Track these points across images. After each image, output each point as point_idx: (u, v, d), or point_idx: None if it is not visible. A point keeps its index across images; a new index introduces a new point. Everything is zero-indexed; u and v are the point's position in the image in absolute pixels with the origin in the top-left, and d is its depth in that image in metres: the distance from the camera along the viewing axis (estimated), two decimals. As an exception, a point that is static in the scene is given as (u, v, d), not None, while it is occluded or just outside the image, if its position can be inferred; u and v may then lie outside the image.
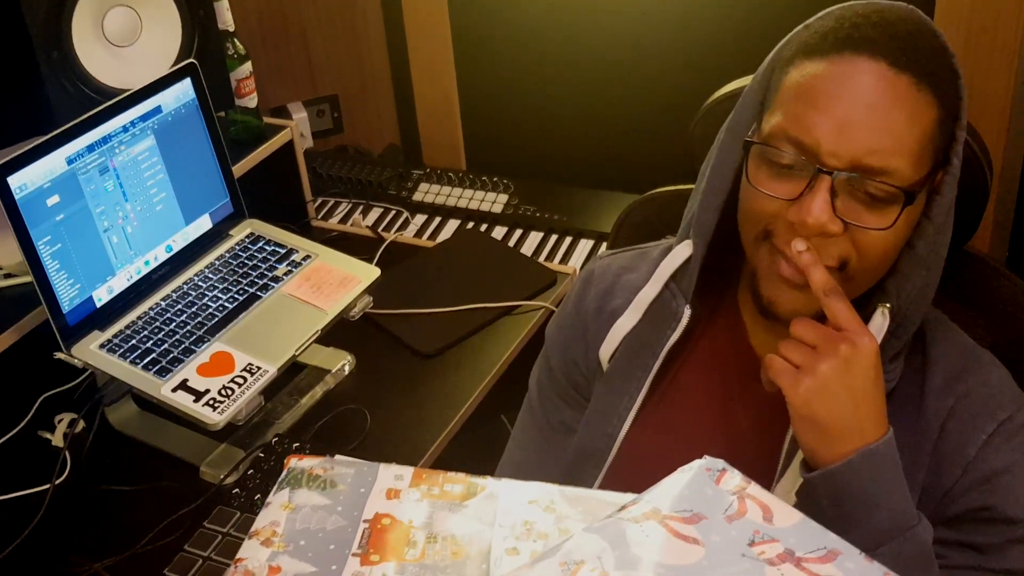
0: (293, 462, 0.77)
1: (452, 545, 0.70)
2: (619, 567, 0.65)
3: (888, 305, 0.91)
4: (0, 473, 1.42)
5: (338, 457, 0.78)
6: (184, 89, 1.48)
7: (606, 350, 1.05)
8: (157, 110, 1.44)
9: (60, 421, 1.47)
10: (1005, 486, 0.91)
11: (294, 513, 0.72)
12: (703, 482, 0.72)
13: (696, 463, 0.75)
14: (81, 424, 1.47)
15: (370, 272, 1.51)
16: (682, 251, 1.01)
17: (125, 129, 1.39)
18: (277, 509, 0.73)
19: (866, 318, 0.91)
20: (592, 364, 1.08)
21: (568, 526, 0.71)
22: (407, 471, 0.76)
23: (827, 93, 0.83)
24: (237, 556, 0.68)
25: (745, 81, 1.17)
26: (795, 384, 0.85)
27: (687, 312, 0.99)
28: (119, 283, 1.42)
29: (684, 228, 1.03)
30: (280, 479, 0.76)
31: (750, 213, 0.91)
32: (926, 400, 0.94)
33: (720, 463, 0.74)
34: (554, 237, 1.91)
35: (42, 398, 1.52)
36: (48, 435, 1.47)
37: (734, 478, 0.73)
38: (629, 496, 0.73)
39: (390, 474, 0.76)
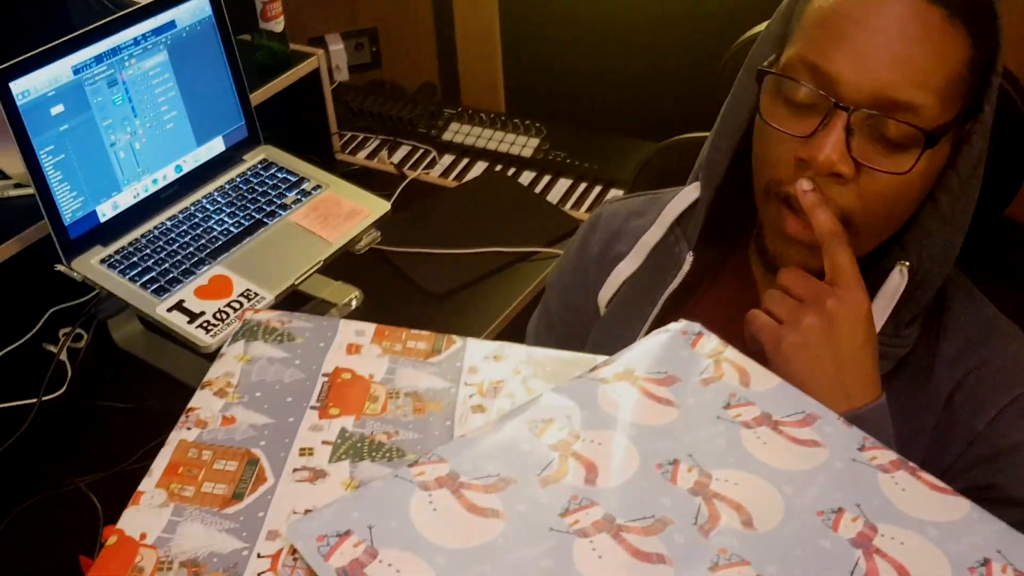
0: (249, 315, 0.73)
1: (415, 401, 0.66)
2: (588, 426, 0.63)
3: (907, 263, 0.84)
4: (5, 383, 1.43)
5: (296, 312, 0.75)
6: (200, 5, 1.44)
7: (604, 294, 1.01)
8: (171, 25, 1.41)
9: (64, 334, 1.47)
10: (1013, 465, 0.85)
11: (249, 365, 0.68)
12: (678, 345, 0.70)
13: (673, 325, 0.72)
14: (85, 339, 1.47)
15: (379, 206, 1.47)
16: (689, 194, 0.95)
17: (136, 42, 1.37)
18: (231, 360, 0.69)
19: (883, 276, 0.84)
20: (591, 310, 1.04)
21: (536, 386, 0.68)
22: (369, 327, 0.73)
23: (851, 19, 0.77)
24: (188, 406, 0.65)
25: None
26: (775, 340, 0.79)
27: (689, 258, 0.93)
28: (125, 200, 1.40)
29: (695, 170, 0.97)
30: (235, 331, 0.72)
31: (761, 156, 0.84)
32: (936, 368, 0.88)
33: (697, 327, 0.71)
34: (583, 185, 1.86)
35: (50, 311, 1.53)
36: (52, 348, 1.47)
37: (711, 342, 0.70)
38: (601, 358, 0.70)
39: (351, 329, 0.72)
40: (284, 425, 0.64)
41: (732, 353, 0.70)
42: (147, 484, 0.60)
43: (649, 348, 0.70)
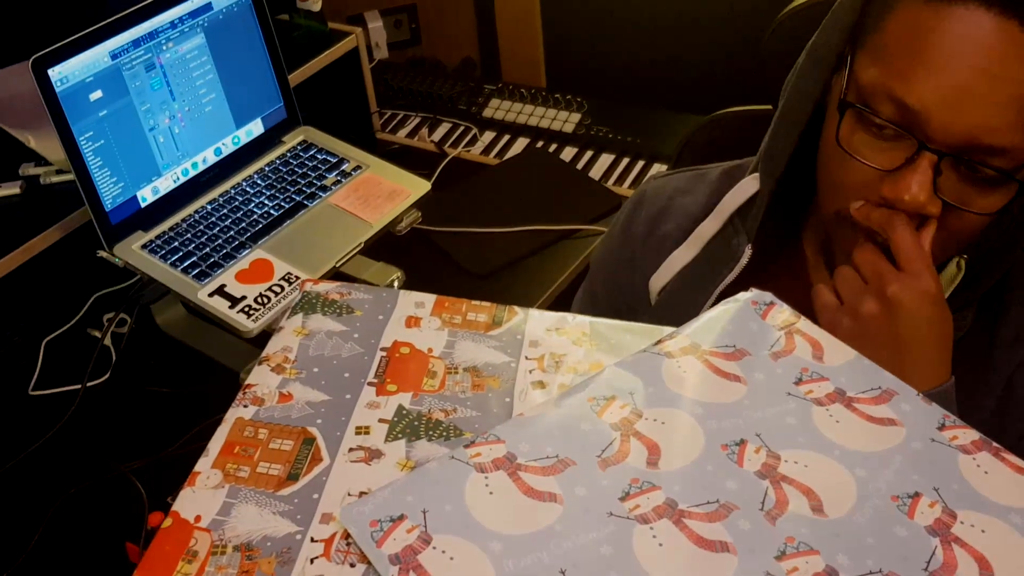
0: (308, 286, 0.72)
1: (474, 376, 0.65)
2: (652, 404, 0.60)
3: (965, 256, 0.81)
4: (51, 368, 1.44)
5: (356, 283, 0.73)
6: (237, -13, 1.43)
7: (657, 282, 0.98)
8: (207, 7, 1.39)
9: (108, 319, 1.47)
10: None
11: (308, 339, 0.67)
12: (748, 316, 0.67)
13: (743, 295, 0.68)
14: (129, 324, 1.47)
15: (420, 186, 1.45)
16: (749, 185, 0.91)
17: (173, 25, 1.35)
18: (289, 335, 0.67)
19: (939, 266, 0.81)
20: (639, 292, 1.01)
21: (599, 359, 0.66)
22: (429, 299, 0.71)
23: (943, 51, 0.69)
24: (246, 382, 0.64)
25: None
26: (832, 323, 0.76)
27: (747, 252, 0.90)
28: (165, 184, 1.40)
29: (754, 161, 0.93)
30: (294, 303, 0.71)
31: (835, 181, 0.79)
32: (995, 351, 0.85)
33: (768, 296, 0.68)
34: (626, 160, 1.82)
35: (94, 297, 1.53)
36: (96, 333, 1.48)
37: (783, 312, 0.67)
38: (667, 330, 0.67)
39: (410, 301, 0.71)
40: (341, 402, 0.63)
41: (805, 324, 0.66)
42: (203, 464, 0.59)
43: (717, 319, 0.67)
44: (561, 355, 0.66)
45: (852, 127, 0.76)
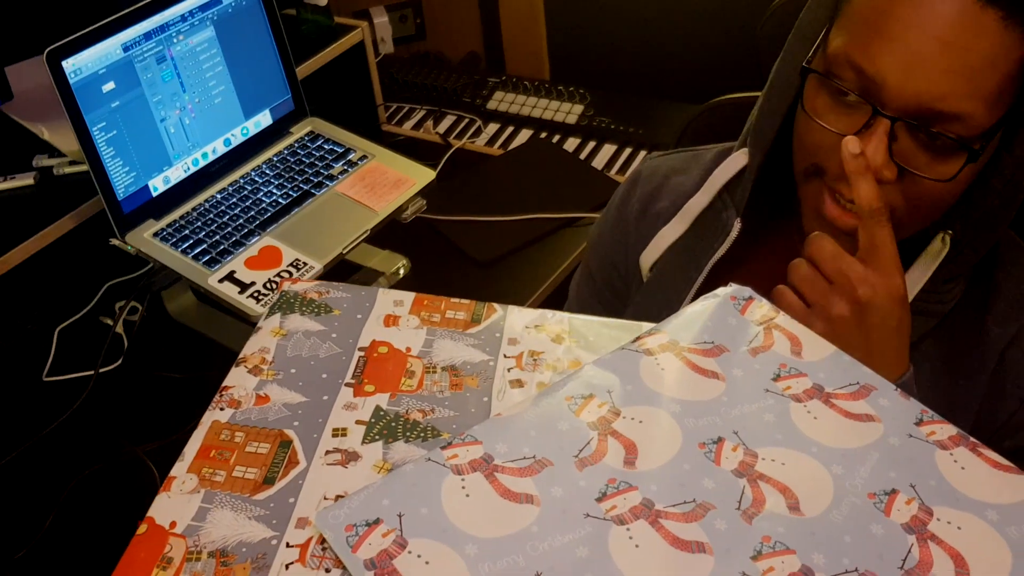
0: (287, 285, 0.71)
1: (452, 376, 0.64)
2: (629, 402, 0.60)
3: (950, 232, 0.82)
4: (64, 355, 1.47)
5: (334, 282, 0.73)
6: (245, -20, 1.46)
7: (648, 257, 0.99)
8: (217, 1, 1.42)
9: (120, 307, 1.51)
10: None
11: (285, 339, 0.66)
12: (727, 312, 0.66)
13: (721, 290, 0.68)
14: (140, 311, 1.51)
15: (424, 175, 1.48)
16: (738, 160, 0.94)
17: (183, 19, 1.38)
18: (267, 335, 0.67)
19: (924, 242, 0.83)
20: (631, 268, 1.03)
21: (579, 356, 0.65)
22: (408, 296, 0.70)
23: (900, 20, 0.72)
24: (223, 384, 0.63)
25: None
26: (815, 324, 0.76)
27: (737, 225, 0.92)
28: (176, 174, 1.43)
29: (744, 134, 0.96)
30: (272, 303, 0.70)
31: (802, 143, 0.82)
32: (988, 326, 0.86)
33: (747, 291, 0.68)
34: (628, 150, 1.85)
35: (107, 285, 1.56)
36: (109, 321, 1.51)
37: (761, 307, 0.67)
38: (646, 326, 0.67)
39: (389, 299, 0.70)
40: (318, 403, 0.62)
41: (784, 319, 0.66)
42: (179, 469, 0.58)
43: (696, 315, 0.67)
44: (540, 353, 0.66)
45: (816, 92, 0.79)
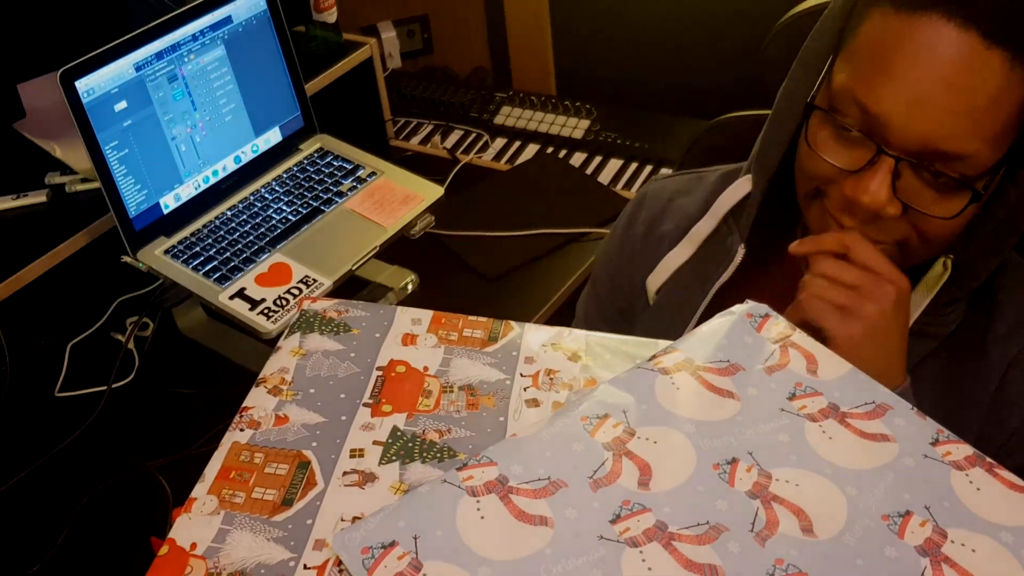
0: (306, 304, 0.72)
1: (469, 395, 0.65)
2: (645, 422, 0.60)
3: (951, 256, 0.83)
4: (76, 371, 1.48)
5: (353, 300, 0.73)
6: (255, 0, 1.47)
7: (655, 281, 1.01)
8: (227, 20, 1.44)
9: (131, 323, 1.52)
10: None
11: (304, 359, 0.67)
12: (743, 329, 0.66)
13: (737, 308, 0.68)
14: (151, 327, 1.52)
15: (433, 191, 1.49)
16: (742, 186, 0.95)
17: (194, 38, 1.40)
18: (286, 355, 0.68)
19: (925, 266, 0.84)
20: (637, 290, 1.04)
21: (595, 375, 0.66)
22: (426, 315, 0.71)
23: (905, 59, 0.72)
24: (243, 405, 0.64)
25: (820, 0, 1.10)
26: (844, 325, 0.77)
27: (741, 251, 0.93)
28: (187, 191, 1.44)
29: (748, 162, 0.97)
30: (292, 322, 0.71)
31: (804, 171, 0.83)
32: (988, 347, 0.87)
33: (764, 308, 0.68)
34: (634, 165, 1.86)
35: (118, 301, 1.58)
36: (120, 336, 1.52)
37: (777, 325, 0.67)
38: (662, 343, 0.67)
39: (407, 318, 0.71)
40: (336, 424, 0.63)
41: (800, 337, 0.66)
42: (199, 490, 0.59)
43: (712, 333, 0.67)
44: (556, 371, 0.66)
45: (819, 126, 0.80)
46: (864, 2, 0.78)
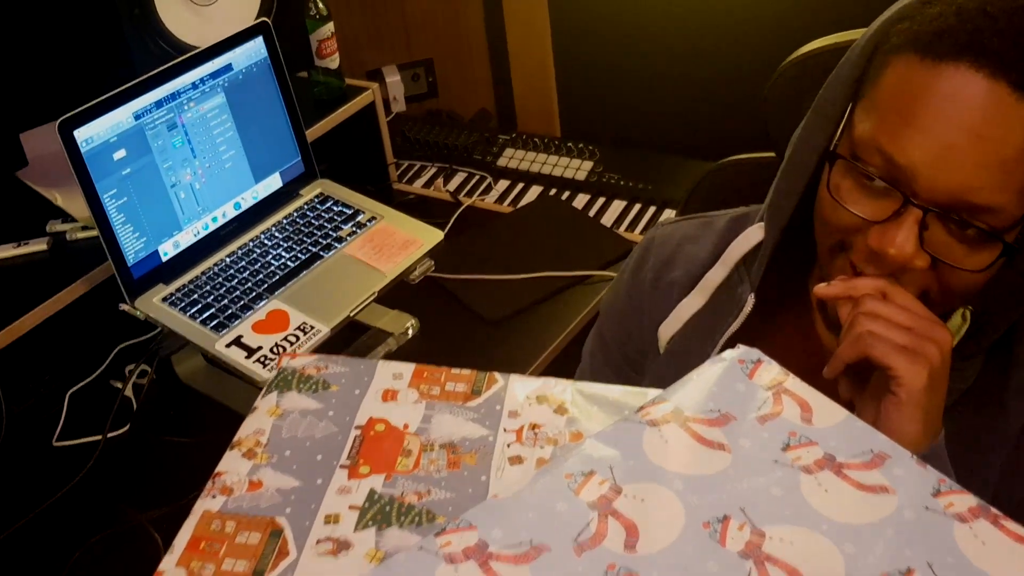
0: (285, 361, 0.70)
1: (450, 453, 0.62)
2: (632, 479, 0.57)
3: (970, 307, 0.81)
4: (75, 419, 1.48)
5: (334, 356, 0.71)
6: (256, 48, 1.48)
7: (667, 330, 0.98)
8: (227, 68, 1.45)
9: (130, 371, 1.51)
10: None
11: (281, 419, 0.65)
12: (735, 376, 0.64)
13: (729, 353, 0.66)
14: (149, 375, 1.51)
15: (433, 235, 1.49)
16: (754, 234, 0.93)
17: (194, 86, 1.41)
18: (263, 415, 0.66)
19: (943, 318, 0.81)
20: (648, 338, 1.02)
21: (582, 428, 0.63)
22: (407, 368, 0.69)
23: (932, 110, 0.70)
24: (217, 469, 0.62)
25: (824, 41, 1.09)
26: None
27: (751, 300, 0.91)
28: (186, 238, 1.44)
29: (760, 210, 0.94)
30: (270, 381, 0.69)
31: (827, 224, 0.80)
32: (1007, 401, 0.84)
33: (756, 353, 0.66)
34: (637, 206, 1.85)
35: (118, 348, 1.57)
36: (119, 384, 1.51)
37: (770, 370, 0.64)
38: (652, 393, 0.65)
39: (388, 372, 0.68)
40: (311, 488, 0.61)
41: (794, 383, 0.64)
42: (168, 562, 0.57)
43: (702, 381, 0.65)
44: (540, 426, 0.64)
45: (843, 176, 0.78)
46: (885, 49, 0.76)
